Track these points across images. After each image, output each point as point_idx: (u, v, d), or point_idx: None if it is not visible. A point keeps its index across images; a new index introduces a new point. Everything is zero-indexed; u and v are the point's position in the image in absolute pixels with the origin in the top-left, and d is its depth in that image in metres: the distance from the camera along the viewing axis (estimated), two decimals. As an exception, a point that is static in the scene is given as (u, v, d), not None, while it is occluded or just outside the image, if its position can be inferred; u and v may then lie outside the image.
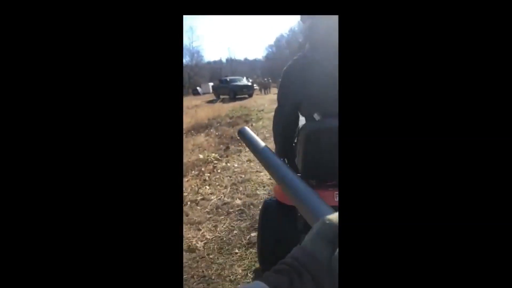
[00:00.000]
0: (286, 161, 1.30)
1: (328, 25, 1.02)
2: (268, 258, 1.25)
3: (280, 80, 1.17)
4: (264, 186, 3.21)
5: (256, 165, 4.00)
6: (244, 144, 4.87)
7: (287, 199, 1.10)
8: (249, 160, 4.27)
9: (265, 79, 22.56)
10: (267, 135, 5.72)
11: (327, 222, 0.32)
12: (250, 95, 17.32)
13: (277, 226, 1.17)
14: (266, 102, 13.17)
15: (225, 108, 11.66)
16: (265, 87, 21.08)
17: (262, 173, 3.63)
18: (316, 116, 1.03)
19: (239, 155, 4.68)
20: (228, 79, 19.34)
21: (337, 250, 0.29)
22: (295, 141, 1.23)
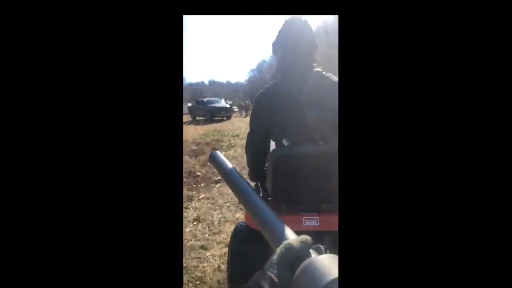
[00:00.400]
0: (259, 185, 1.33)
1: (296, 57, 1.09)
2: (238, 284, 1.24)
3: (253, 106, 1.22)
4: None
5: (205, 230, 2.56)
6: (197, 190, 3.64)
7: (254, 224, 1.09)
8: (198, 219, 2.77)
9: (246, 102, 22.88)
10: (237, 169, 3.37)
11: (288, 246, 0.33)
12: (229, 117, 16.79)
13: (248, 251, 1.17)
14: (244, 125, 11.69)
15: (197, 131, 10.32)
16: (245, 109, 20.91)
17: (208, 253, 2.16)
18: (285, 142, 1.07)
19: (186, 208, 3.08)
20: (205, 100, 18.49)
21: (296, 273, 0.30)
22: (266, 165, 1.25)
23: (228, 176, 0.50)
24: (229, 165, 0.52)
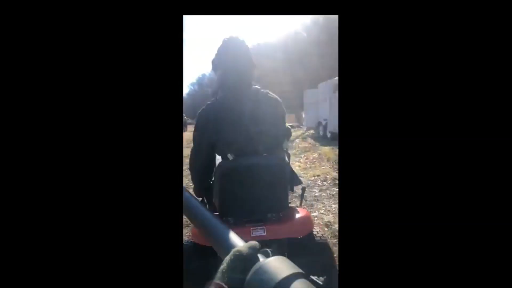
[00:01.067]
0: (205, 201, 1.36)
1: (236, 75, 1.16)
2: None
3: (195, 121, 1.27)
4: None
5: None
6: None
7: (203, 240, 1.11)
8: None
9: (184, 116, 21.93)
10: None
11: (236, 253, 0.33)
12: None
13: (195, 268, 1.18)
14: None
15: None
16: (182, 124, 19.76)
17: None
18: (230, 156, 1.12)
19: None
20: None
21: (247, 278, 0.30)
22: (212, 179, 1.27)
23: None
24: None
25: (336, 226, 2.25)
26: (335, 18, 0.47)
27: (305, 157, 5.31)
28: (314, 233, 1.19)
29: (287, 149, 1.24)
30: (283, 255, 0.32)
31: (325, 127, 9.60)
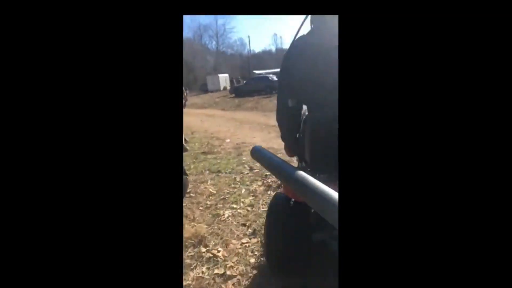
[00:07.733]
0: (298, 158, 1.26)
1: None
2: (275, 256, 1.18)
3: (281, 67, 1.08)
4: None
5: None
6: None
7: (297, 196, 1.05)
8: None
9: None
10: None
11: None
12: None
13: (287, 223, 1.09)
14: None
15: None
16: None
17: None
18: (292, 102, 1.01)
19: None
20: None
21: None
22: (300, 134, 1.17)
23: (267, 161, 0.52)
24: (268, 152, 0.54)
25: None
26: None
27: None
28: None
29: None
30: None
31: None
